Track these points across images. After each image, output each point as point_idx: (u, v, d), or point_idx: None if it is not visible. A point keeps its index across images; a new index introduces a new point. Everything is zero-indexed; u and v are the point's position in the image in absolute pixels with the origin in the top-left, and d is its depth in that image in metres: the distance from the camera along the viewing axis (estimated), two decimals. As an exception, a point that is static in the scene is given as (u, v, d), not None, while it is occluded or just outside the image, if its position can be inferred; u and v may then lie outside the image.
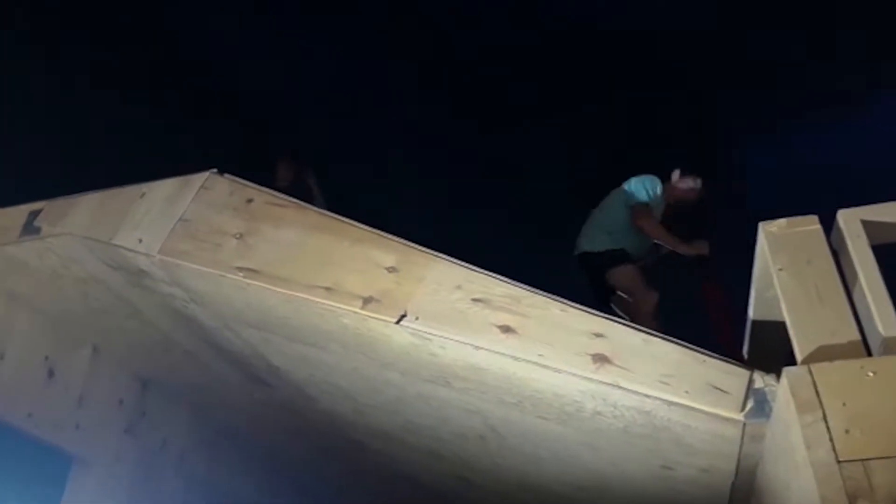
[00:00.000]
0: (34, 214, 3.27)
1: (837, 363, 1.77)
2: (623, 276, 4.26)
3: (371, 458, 4.58)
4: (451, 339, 2.50)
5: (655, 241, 4.41)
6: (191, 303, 3.28)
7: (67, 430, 3.69)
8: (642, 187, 4.42)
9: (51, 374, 3.65)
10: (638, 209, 4.35)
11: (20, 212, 3.33)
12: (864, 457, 1.61)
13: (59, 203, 3.30)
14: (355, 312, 2.62)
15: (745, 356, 2.57)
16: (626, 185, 4.49)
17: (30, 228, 3.24)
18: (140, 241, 3.00)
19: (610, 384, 2.23)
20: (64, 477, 3.79)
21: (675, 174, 4.57)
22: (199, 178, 3.11)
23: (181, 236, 2.96)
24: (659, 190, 4.45)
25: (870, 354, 1.84)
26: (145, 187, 3.18)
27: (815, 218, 2.06)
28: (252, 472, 4.81)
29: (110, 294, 3.48)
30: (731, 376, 2.12)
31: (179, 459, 4.39)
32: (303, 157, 6.03)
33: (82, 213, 3.20)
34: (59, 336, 3.72)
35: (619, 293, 4.32)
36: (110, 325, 3.83)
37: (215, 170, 3.12)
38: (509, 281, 2.54)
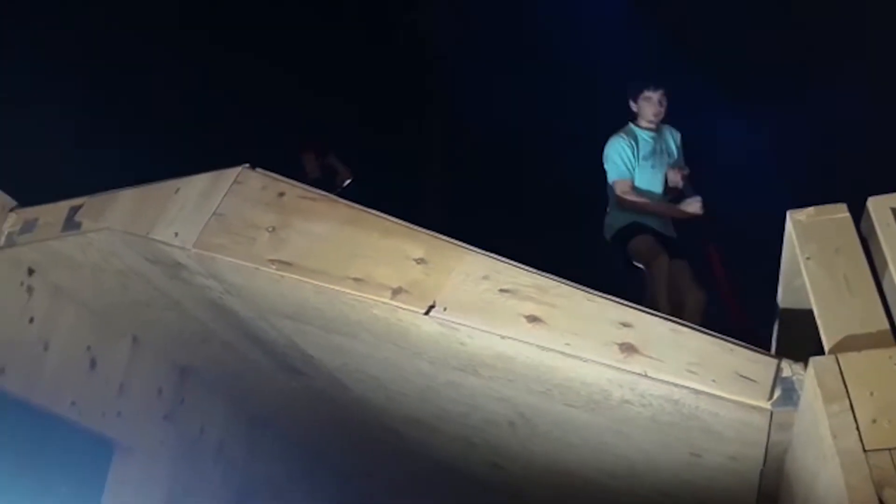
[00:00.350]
0: (74, 210, 3.38)
1: (865, 353, 1.76)
2: (634, 247, 4.03)
3: (404, 445, 4.65)
4: (479, 329, 2.54)
5: (645, 214, 4.08)
6: (226, 294, 3.37)
7: (109, 418, 3.82)
8: (610, 162, 4.11)
9: (93, 364, 3.77)
10: (617, 191, 4.06)
11: (61, 207, 3.44)
12: (890, 446, 1.61)
13: (99, 199, 3.41)
14: (385, 303, 2.68)
15: (774, 343, 2.56)
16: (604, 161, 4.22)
17: (71, 224, 3.35)
18: (176, 234, 3.08)
19: (638, 373, 2.24)
20: (107, 463, 3.92)
21: (632, 105, 4.19)
22: (232, 173, 3.18)
23: (216, 230, 3.04)
24: (626, 147, 4.08)
25: (899, 342, 1.83)
26: (180, 182, 3.26)
27: (843, 206, 2.04)
28: (287, 460, 4.92)
29: (149, 286, 3.58)
30: (758, 365, 2.13)
31: (218, 446, 4.51)
32: (322, 143, 6.12)
33: (120, 208, 3.30)
34: (101, 327, 3.84)
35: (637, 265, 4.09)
36: (149, 317, 3.94)
37: (247, 164, 3.19)
38: (536, 271, 2.57)
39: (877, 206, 1.99)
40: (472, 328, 2.54)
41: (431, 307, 2.59)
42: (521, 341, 2.46)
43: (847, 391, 1.72)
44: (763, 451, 2.33)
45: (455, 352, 2.78)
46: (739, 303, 3.59)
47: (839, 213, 2.03)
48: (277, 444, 4.88)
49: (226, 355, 4.19)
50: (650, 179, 4.15)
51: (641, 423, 2.58)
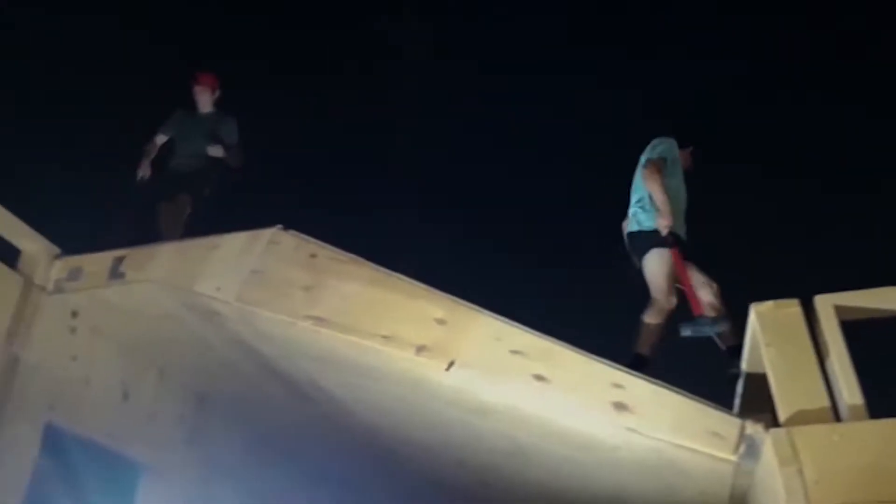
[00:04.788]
0: (118, 261, 3.73)
1: (811, 427, 2.26)
2: (653, 264, 3.90)
3: (399, 462, 5.08)
4: (493, 385, 2.99)
5: (654, 197, 4.00)
6: (256, 337, 3.75)
7: (140, 445, 4.17)
8: (658, 146, 4.16)
9: (125, 396, 4.12)
10: (649, 163, 4.05)
11: (104, 258, 3.79)
12: (829, 503, 2.11)
13: (141, 251, 3.78)
14: (410, 359, 3.11)
15: (739, 399, 3.06)
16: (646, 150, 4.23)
17: (115, 274, 3.71)
18: (218, 289, 3.46)
19: (628, 429, 2.72)
20: (135, 485, 4.27)
21: None
22: (267, 234, 3.57)
23: (254, 286, 3.43)
24: (672, 152, 4.17)
25: (838, 417, 2.33)
26: (217, 240, 3.64)
27: (796, 301, 2.54)
28: (292, 476, 5.31)
29: (181, 328, 3.94)
30: (726, 424, 2.62)
31: (230, 466, 4.88)
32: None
33: (162, 261, 3.67)
34: (132, 362, 4.19)
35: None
36: (175, 352, 4.30)
37: (281, 226, 3.58)
38: (542, 335, 3.02)
39: (822, 302, 2.49)
40: (488, 384, 2.99)
41: (451, 364, 3.03)
42: (528, 397, 2.91)
43: (797, 458, 2.21)
44: (728, 490, 2.82)
45: (468, 399, 3.22)
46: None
47: (792, 307, 2.52)
48: (283, 462, 5.26)
49: (241, 384, 4.56)
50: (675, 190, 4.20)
51: (627, 464, 3.06)
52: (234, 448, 4.95)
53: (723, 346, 3.71)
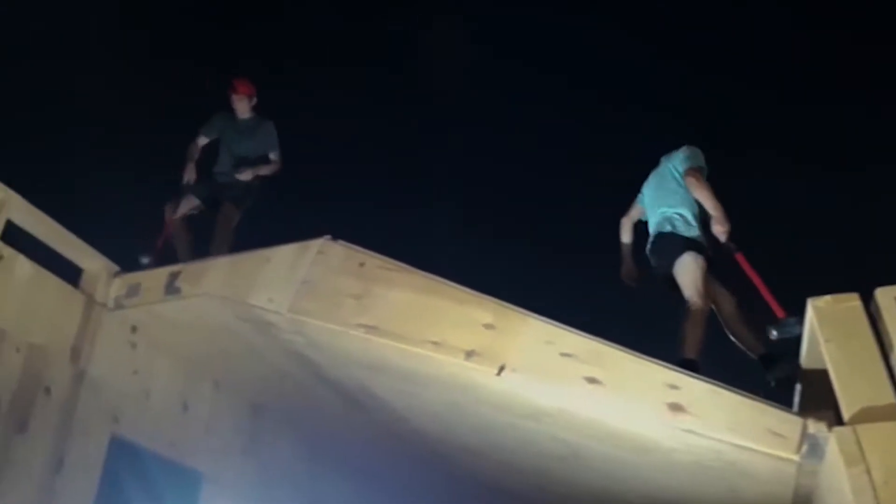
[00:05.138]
0: (174, 276, 3.84)
1: (878, 424, 2.18)
2: (687, 266, 3.83)
3: (453, 469, 5.09)
4: (545, 388, 2.98)
5: (706, 204, 3.93)
6: (309, 347, 3.81)
7: (199, 454, 4.28)
8: (692, 156, 4.13)
9: (185, 407, 4.24)
10: (692, 171, 4.00)
11: (160, 273, 3.90)
12: (899, 503, 2.03)
13: (194, 266, 3.88)
14: (460, 364, 3.11)
15: (798, 396, 2.98)
16: (679, 152, 4.19)
17: (171, 289, 3.81)
18: (271, 300, 3.53)
19: (685, 430, 2.67)
20: (196, 492, 4.38)
21: None
22: (315, 245, 3.62)
23: (305, 296, 3.48)
24: (703, 158, 4.17)
25: (905, 414, 2.25)
26: (268, 253, 3.71)
27: (855, 295, 2.46)
28: (347, 483, 5.37)
29: (235, 339, 4.03)
30: (787, 423, 2.55)
31: (286, 473, 4.97)
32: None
33: (216, 275, 3.75)
34: (188, 374, 4.31)
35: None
36: (230, 363, 4.40)
37: (329, 236, 3.63)
38: (592, 337, 2.99)
39: (883, 295, 2.41)
40: (538, 387, 2.98)
41: (502, 368, 3.02)
42: (581, 400, 2.88)
43: (864, 457, 2.14)
44: (792, 491, 2.75)
45: (520, 404, 3.21)
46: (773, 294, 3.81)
47: (852, 301, 2.45)
48: (338, 468, 5.33)
49: (295, 393, 4.64)
50: None
51: (686, 465, 3.01)
52: (290, 455, 5.04)
53: (755, 356, 3.63)
